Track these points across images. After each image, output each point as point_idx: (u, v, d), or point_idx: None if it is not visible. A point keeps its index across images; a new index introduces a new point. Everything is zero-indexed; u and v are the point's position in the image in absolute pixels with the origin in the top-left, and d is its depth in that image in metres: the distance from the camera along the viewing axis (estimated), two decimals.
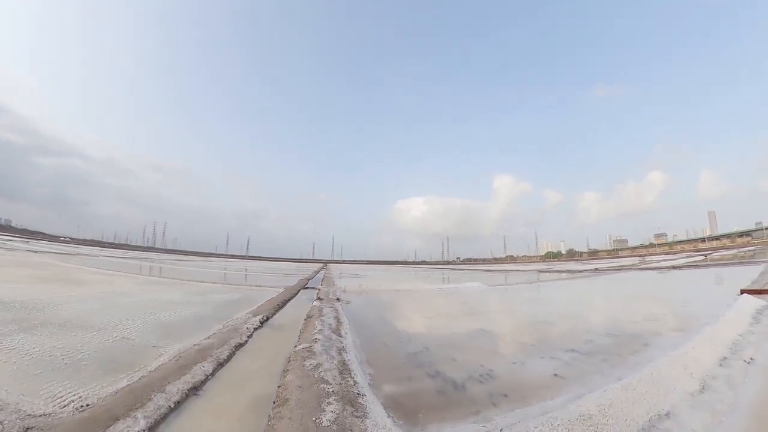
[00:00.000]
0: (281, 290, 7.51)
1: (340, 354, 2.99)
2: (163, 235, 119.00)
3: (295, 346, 3.21)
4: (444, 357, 3.20)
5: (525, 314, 5.70)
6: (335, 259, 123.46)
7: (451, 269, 36.77)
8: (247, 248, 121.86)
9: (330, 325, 4.07)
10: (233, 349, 3.18)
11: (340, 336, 3.67)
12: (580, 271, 19.71)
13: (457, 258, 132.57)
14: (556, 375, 2.72)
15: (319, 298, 6.58)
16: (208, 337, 3.47)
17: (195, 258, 51.22)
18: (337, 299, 6.65)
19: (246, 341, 3.54)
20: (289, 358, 2.93)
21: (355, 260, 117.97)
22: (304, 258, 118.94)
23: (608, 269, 20.71)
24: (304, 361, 2.70)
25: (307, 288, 9.03)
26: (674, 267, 17.98)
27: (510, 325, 4.83)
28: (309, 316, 4.66)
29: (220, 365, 2.81)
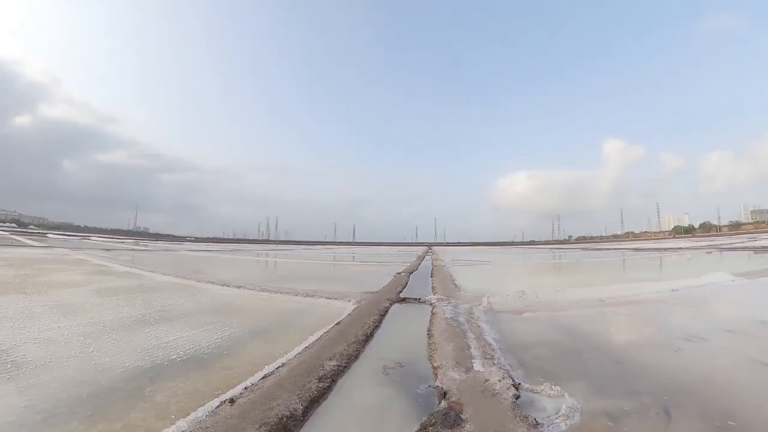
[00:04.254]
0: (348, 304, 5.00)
1: None
2: (276, 228, 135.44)
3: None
4: None
5: None
6: (438, 242, 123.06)
7: (582, 249, 32.51)
8: (354, 235, 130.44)
9: None
10: None
11: None
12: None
13: (569, 236, 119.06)
14: None
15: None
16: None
17: (315, 247, 56.50)
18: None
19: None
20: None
21: (459, 242, 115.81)
22: (407, 242, 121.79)
23: None
24: None
25: (404, 302, 5.48)
26: None
27: None
28: None
29: None
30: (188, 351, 3.02)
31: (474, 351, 3.14)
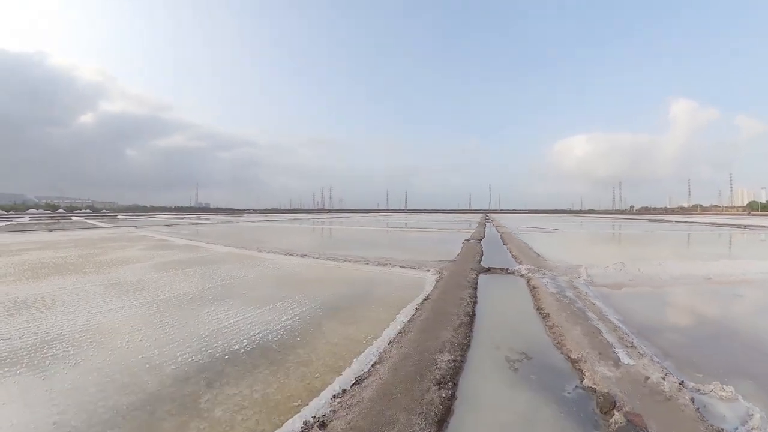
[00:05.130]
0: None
1: None
2: (330, 198, 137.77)
3: None
4: None
5: None
6: (493, 209, 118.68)
7: (649, 221, 29.57)
8: (406, 203, 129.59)
9: None
10: None
11: None
12: None
13: (631, 206, 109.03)
14: None
15: None
16: None
17: (369, 214, 56.72)
18: None
19: None
20: None
21: (514, 210, 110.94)
22: (461, 209, 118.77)
23: None
24: None
25: (489, 272, 4.69)
26: None
27: None
28: None
29: None
30: (253, 338, 2.38)
31: (608, 336, 2.49)
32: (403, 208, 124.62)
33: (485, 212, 77.58)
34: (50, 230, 14.81)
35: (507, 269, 4.77)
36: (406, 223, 22.08)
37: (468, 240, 8.84)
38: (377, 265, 4.75)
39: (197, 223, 21.03)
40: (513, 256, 6.05)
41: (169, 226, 18.27)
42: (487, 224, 19.88)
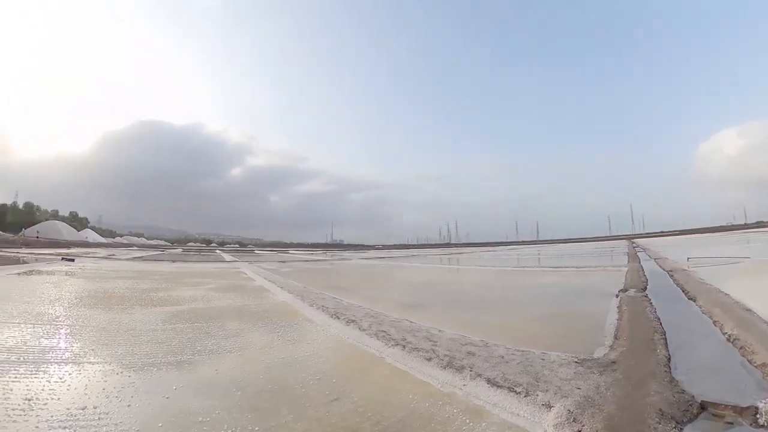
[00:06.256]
0: None
1: None
2: (456, 232, 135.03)
3: None
4: None
5: None
6: (637, 233, 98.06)
7: None
8: (537, 233, 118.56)
9: None
10: None
11: None
12: None
13: None
14: None
15: None
16: None
17: (496, 248, 52.38)
18: None
19: None
20: None
21: (662, 232, 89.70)
22: (599, 236, 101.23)
23: None
24: None
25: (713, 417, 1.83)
26: None
27: None
28: None
29: None
30: None
31: None
32: (534, 239, 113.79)
33: (629, 238, 63.57)
34: (173, 261, 16.73)
35: (752, 411, 1.79)
36: (538, 259, 18.71)
37: (624, 292, 5.74)
38: (444, 368, 2.57)
39: (311, 260, 21.74)
40: (729, 339, 3.19)
41: (282, 262, 19.15)
42: (640, 256, 15.17)
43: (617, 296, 5.45)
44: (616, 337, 3.26)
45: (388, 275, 12.17)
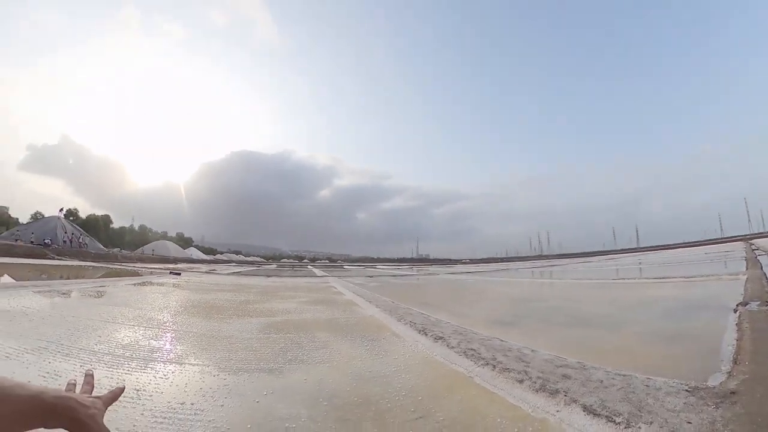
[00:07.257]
0: None
1: None
2: (548, 242, 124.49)
3: None
4: None
5: None
6: (755, 233, 76.61)
7: None
8: (637, 239, 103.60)
9: None
10: None
11: None
12: None
13: None
14: None
15: None
16: None
17: (592, 259, 47.07)
18: None
19: None
20: None
21: None
22: (707, 239, 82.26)
23: None
24: None
25: None
26: None
27: None
28: None
29: None
30: None
31: None
32: (635, 246, 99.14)
33: (746, 239, 50.53)
34: (268, 276, 18.08)
35: None
36: (639, 270, 16.29)
37: (744, 305, 4.67)
38: (536, 391, 2.16)
39: (399, 275, 21.90)
40: None
41: (370, 277, 19.69)
42: (761, 260, 12.11)
43: (736, 311, 4.60)
44: (735, 362, 2.68)
45: (476, 290, 11.59)
